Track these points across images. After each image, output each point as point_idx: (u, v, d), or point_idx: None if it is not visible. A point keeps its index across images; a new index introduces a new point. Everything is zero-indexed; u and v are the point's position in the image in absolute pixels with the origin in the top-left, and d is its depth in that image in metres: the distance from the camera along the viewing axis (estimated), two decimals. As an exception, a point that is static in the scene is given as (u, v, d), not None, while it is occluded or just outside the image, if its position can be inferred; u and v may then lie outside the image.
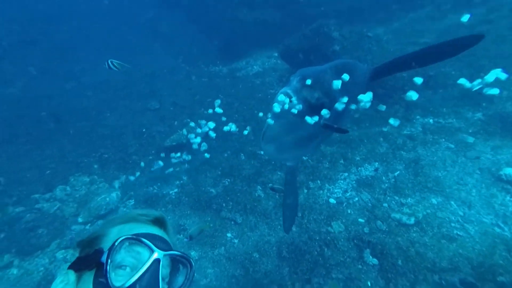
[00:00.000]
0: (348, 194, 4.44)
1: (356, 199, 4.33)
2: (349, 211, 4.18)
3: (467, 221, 3.72)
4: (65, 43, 12.19)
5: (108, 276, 0.74)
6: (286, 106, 1.94)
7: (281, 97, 1.94)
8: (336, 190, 4.58)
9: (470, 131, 4.70)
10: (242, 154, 5.66)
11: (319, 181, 4.72)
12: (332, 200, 4.43)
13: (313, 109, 1.95)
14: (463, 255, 3.39)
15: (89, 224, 4.70)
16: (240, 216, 4.57)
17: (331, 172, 4.75)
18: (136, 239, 0.82)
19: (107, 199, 5.03)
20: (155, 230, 0.92)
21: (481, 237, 3.51)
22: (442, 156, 4.49)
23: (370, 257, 3.59)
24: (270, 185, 3.94)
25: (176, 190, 5.41)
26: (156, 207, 5.04)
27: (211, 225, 4.39)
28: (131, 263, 0.80)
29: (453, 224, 3.72)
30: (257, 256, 3.94)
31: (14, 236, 4.28)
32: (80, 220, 4.72)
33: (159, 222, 0.97)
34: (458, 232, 3.63)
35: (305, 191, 4.67)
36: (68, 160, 6.36)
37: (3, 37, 10.22)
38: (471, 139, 4.48)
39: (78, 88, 9.61)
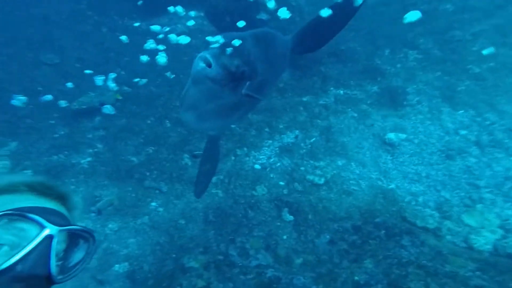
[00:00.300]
0: (271, 160, 4.72)
1: (279, 164, 4.65)
2: (271, 176, 4.48)
3: (361, 178, 4.47)
4: None
5: None
6: (204, 72, 1.88)
7: (199, 62, 1.85)
8: (261, 157, 4.80)
9: (369, 102, 5.47)
10: (167, 121, 5.27)
11: (245, 148, 4.85)
12: (257, 166, 4.65)
13: (234, 78, 1.91)
14: (356, 205, 4.12)
15: None
16: (166, 185, 4.38)
17: (257, 140, 4.92)
18: (19, 214, 0.68)
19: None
20: (47, 203, 0.78)
21: (369, 189, 4.31)
22: (348, 123, 5.15)
23: (287, 214, 4.00)
24: (193, 153, 3.85)
25: (89, 159, 4.75)
26: (63, 178, 4.35)
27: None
28: (10, 241, 0.66)
29: (351, 181, 4.42)
30: (183, 223, 3.92)
31: None
32: None
33: (52, 192, 0.83)
34: (354, 187, 4.35)
35: (233, 158, 4.75)
36: None
37: None
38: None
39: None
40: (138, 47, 7.97)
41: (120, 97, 3.81)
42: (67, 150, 4.78)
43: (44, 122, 5.21)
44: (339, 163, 4.62)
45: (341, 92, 5.57)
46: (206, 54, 1.86)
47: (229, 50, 1.85)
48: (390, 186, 4.27)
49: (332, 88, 5.64)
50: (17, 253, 0.62)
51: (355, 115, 5.21)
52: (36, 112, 5.43)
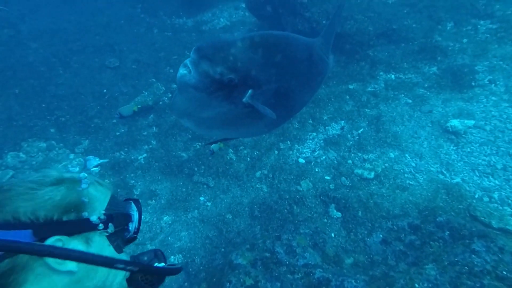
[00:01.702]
0: (316, 153, 4.27)
1: (324, 157, 4.18)
2: (317, 170, 4.05)
3: (418, 171, 3.79)
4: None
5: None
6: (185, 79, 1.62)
7: (180, 68, 1.62)
8: (305, 150, 4.38)
9: (426, 85, 4.58)
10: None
11: (289, 142, 4.46)
12: (301, 160, 4.25)
13: (221, 86, 1.62)
14: (413, 201, 3.50)
15: (52, 195, 4.10)
16: (213, 179, 4.26)
17: (301, 133, 4.49)
18: (132, 199, 0.93)
19: (69, 166, 4.35)
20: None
21: (427, 184, 3.63)
22: (400, 111, 4.39)
23: (335, 211, 3.58)
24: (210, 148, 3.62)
25: (145, 155, 4.86)
26: (125, 173, 4.52)
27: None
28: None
29: (406, 175, 3.78)
30: (230, 217, 3.77)
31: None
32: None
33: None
34: (410, 182, 3.71)
35: (276, 152, 4.42)
36: (17, 123, 5.33)
37: None
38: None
39: (18, 38, 7.78)
40: (185, 44, 8.00)
41: (136, 109, 4.25)
42: (127, 147, 4.95)
43: (108, 121, 5.47)
44: (391, 155, 3.97)
45: (392, 76, 4.75)
46: (186, 61, 1.60)
47: (209, 56, 1.57)
48: (454, 180, 3.53)
49: (381, 73, 4.84)
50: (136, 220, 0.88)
51: (410, 101, 4.40)
52: (103, 112, 5.73)
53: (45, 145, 4.80)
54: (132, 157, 4.83)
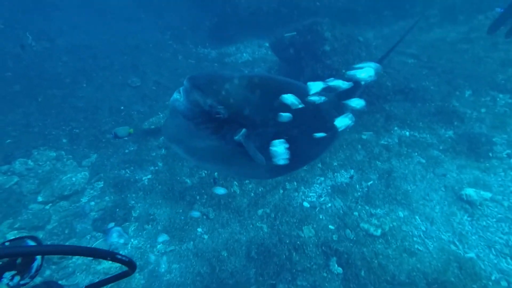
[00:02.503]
0: (322, 199, 4.31)
1: (329, 205, 4.22)
2: (321, 217, 4.06)
3: (428, 236, 3.73)
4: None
5: None
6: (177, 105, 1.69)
7: (174, 93, 1.69)
8: (311, 194, 4.44)
9: (441, 147, 4.69)
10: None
11: (295, 183, 4.55)
12: (306, 204, 4.29)
13: (211, 119, 1.66)
14: (421, 269, 3.41)
15: (50, 205, 4.23)
16: (213, 211, 4.32)
17: (308, 175, 4.59)
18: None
19: (74, 179, 4.54)
20: None
21: (438, 253, 3.55)
22: (413, 170, 4.46)
23: (336, 265, 3.51)
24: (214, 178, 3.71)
25: (149, 176, 5.01)
26: (127, 193, 4.65)
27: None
28: None
29: (415, 239, 3.72)
30: (225, 255, 3.75)
31: (-40, 214, 3.75)
32: (40, 199, 4.22)
33: None
34: (419, 247, 3.64)
35: (281, 191, 4.49)
36: (33, 130, 5.68)
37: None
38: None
39: (52, 50, 8.57)
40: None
41: (132, 132, 4.54)
42: (133, 165, 5.14)
43: (129, 136, 5.75)
44: (400, 214, 3.96)
45: (407, 133, 4.92)
46: (181, 87, 1.69)
47: (201, 87, 1.63)
48: (468, 255, 3.45)
49: (396, 128, 5.03)
50: None
51: (423, 161, 4.50)
52: (116, 127, 6.06)
53: (54, 154, 5.05)
54: (137, 177, 4.99)
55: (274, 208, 4.29)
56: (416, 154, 4.65)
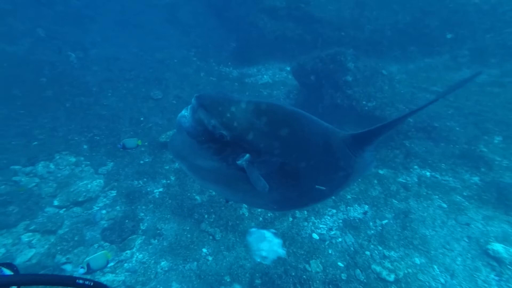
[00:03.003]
0: (332, 233, 4.27)
1: (340, 239, 4.16)
2: (330, 251, 4.01)
3: (447, 290, 3.57)
4: (80, 10, 11.78)
5: None
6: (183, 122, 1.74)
7: (183, 109, 1.76)
8: (321, 226, 4.41)
9: (465, 194, 4.58)
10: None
11: (306, 212, 4.55)
12: (315, 236, 4.26)
13: (214, 139, 1.69)
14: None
15: (64, 209, 4.43)
16: (220, 232, 4.36)
17: (320, 206, 4.58)
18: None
19: (89, 186, 4.76)
20: None
21: (459, 313, 3.37)
22: (433, 214, 4.36)
23: (342, 307, 3.43)
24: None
25: (161, 189, 5.17)
26: (137, 204, 4.80)
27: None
28: None
29: (432, 290, 3.57)
30: (228, 280, 3.75)
31: (-18, 209, 4.01)
32: (55, 203, 4.44)
33: None
34: (436, 301, 3.49)
35: (290, 219, 4.49)
36: (58, 134, 6.06)
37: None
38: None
39: (85, 60, 9.26)
40: (226, 89, 8.93)
41: (140, 143, 4.94)
42: (147, 177, 5.33)
43: (137, 148, 6.02)
44: (417, 260, 3.84)
45: (428, 173, 4.86)
46: (190, 105, 1.73)
47: (206, 107, 1.67)
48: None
49: (416, 167, 4.98)
50: None
51: (444, 205, 4.39)
52: (135, 137, 6.36)
53: (74, 160, 5.35)
54: (148, 189, 5.16)
55: (282, 236, 4.28)
56: (437, 197, 4.55)
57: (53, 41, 9.07)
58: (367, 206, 4.60)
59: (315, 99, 6.94)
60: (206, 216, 4.64)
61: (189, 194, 5.03)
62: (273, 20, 8.76)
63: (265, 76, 9.62)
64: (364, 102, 5.73)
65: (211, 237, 4.34)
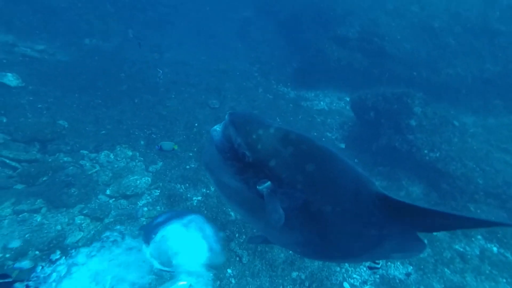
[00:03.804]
0: (366, 287, 3.93)
1: (373, 299, 3.81)
2: (359, 310, 3.69)
3: None
4: (164, 17, 13.20)
5: None
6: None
7: (218, 124, 1.79)
8: (355, 276, 4.10)
9: (542, 284, 3.84)
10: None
11: (340, 259, 4.28)
12: (346, 285, 3.97)
13: (238, 158, 1.69)
14: None
15: (113, 200, 4.89)
16: (248, 256, 4.34)
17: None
18: None
19: (138, 181, 5.18)
20: None
21: None
22: (494, 298, 3.74)
23: None
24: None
25: (199, 198, 5.38)
26: (175, 208, 5.05)
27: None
28: None
29: None
30: (246, 310, 3.68)
31: (52, 184, 4.62)
32: (108, 192, 4.93)
33: None
34: None
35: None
36: (123, 127, 6.77)
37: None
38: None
39: (159, 62, 10.29)
40: (280, 111, 9.03)
41: (176, 148, 5.29)
42: (189, 183, 5.61)
43: (186, 153, 6.40)
44: None
45: (494, 249, 4.20)
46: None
47: (236, 124, 1.69)
48: None
49: (479, 237, 4.35)
50: None
51: (511, 292, 3.74)
52: (186, 142, 6.78)
53: (130, 154, 5.90)
54: (189, 195, 5.41)
55: (310, 276, 4.09)
56: (504, 280, 3.90)
57: (138, 41, 10.27)
58: (411, 267, 4.15)
59: (370, 136, 6.61)
60: (237, 235, 4.67)
61: (224, 209, 5.14)
62: (341, 48, 8.69)
63: (322, 103, 9.51)
64: (425, 151, 5.27)
65: (238, 259, 4.34)
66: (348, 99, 8.88)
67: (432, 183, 4.92)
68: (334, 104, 9.29)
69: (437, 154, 5.15)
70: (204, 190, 5.60)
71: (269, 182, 1.65)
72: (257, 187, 1.66)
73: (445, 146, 5.21)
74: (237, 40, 13.75)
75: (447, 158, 5.06)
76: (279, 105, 9.43)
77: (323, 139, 7.58)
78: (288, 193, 1.65)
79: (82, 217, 4.35)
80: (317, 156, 1.65)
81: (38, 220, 4.15)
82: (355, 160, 6.56)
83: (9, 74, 6.57)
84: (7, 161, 4.59)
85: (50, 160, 5.02)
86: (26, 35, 8.77)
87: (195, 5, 14.76)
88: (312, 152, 1.65)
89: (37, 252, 3.76)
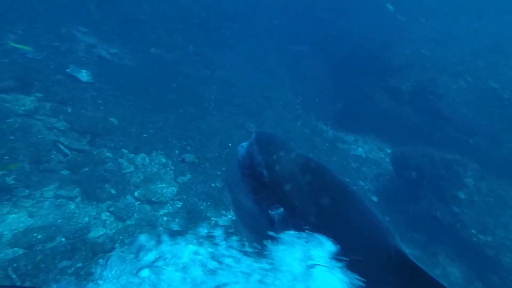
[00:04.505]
0: None
1: None
2: None
3: None
4: (224, 38, 14.04)
5: None
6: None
7: (245, 143, 1.85)
8: None
9: None
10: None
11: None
12: None
13: (254, 175, 1.69)
14: None
15: (139, 203, 5.03)
16: None
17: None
18: None
19: (164, 190, 5.31)
20: None
21: None
22: None
23: None
24: None
25: (217, 219, 5.33)
26: (192, 225, 5.05)
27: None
28: None
29: None
30: None
31: (91, 176, 4.91)
32: (136, 194, 5.11)
33: None
34: None
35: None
36: (163, 133, 7.11)
37: (192, 17, 12.59)
38: None
39: (209, 78, 10.86)
40: (314, 147, 8.87)
41: (197, 161, 5.60)
42: (211, 202, 5.62)
43: (215, 170, 6.49)
44: None
45: None
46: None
47: (260, 143, 1.74)
48: None
49: None
50: None
51: None
52: (217, 160, 6.88)
53: (164, 161, 6.12)
54: (208, 214, 5.39)
55: None
56: None
57: (195, 57, 11.02)
58: None
59: (408, 196, 6.15)
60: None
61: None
62: (391, 99, 8.46)
63: (360, 149, 9.19)
64: (473, 231, 4.72)
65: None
66: (389, 151, 8.48)
67: (478, 270, 4.33)
68: (373, 153, 8.91)
69: (489, 239, 4.57)
70: (224, 212, 5.55)
71: (281, 209, 1.60)
72: (269, 211, 1.61)
73: (500, 231, 4.61)
74: (286, 71, 14.12)
75: (500, 247, 4.46)
76: (315, 142, 9.29)
77: (355, 186, 7.23)
78: (298, 226, 1.54)
79: (108, 214, 4.52)
80: (335, 191, 1.57)
81: (72, 208, 4.39)
82: (387, 219, 6.10)
83: (84, 71, 7.40)
84: (62, 147, 5.03)
85: (95, 153, 5.39)
86: (106, 39, 9.89)
87: (255, 32, 15.60)
88: (330, 185, 1.58)
89: (63, 239, 3.94)
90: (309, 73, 13.46)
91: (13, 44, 6.43)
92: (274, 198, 1.64)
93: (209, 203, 5.71)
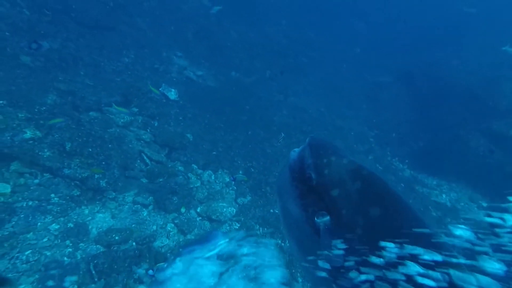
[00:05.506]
0: None
1: None
2: None
3: None
4: (301, 65, 14.26)
5: None
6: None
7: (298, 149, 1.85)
8: None
9: None
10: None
11: None
12: None
13: (303, 179, 1.67)
14: None
15: (200, 219, 5.30)
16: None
17: None
18: None
19: (224, 209, 5.48)
20: None
21: None
22: None
23: None
24: None
25: (272, 248, 5.18)
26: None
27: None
28: None
29: None
30: None
31: (163, 187, 5.44)
32: (198, 209, 5.41)
33: None
34: None
35: None
36: (230, 153, 7.46)
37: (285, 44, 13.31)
38: None
39: (283, 103, 11.10)
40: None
41: (246, 180, 5.94)
42: (267, 228, 5.55)
43: (274, 195, 6.40)
44: None
45: None
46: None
47: (312, 147, 1.71)
48: None
49: None
50: None
51: None
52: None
53: (227, 180, 6.37)
54: (264, 241, 5.30)
55: None
56: None
57: (271, 82, 11.46)
58: None
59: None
60: None
61: (294, 271, 4.75)
62: (492, 145, 7.10)
63: (444, 195, 7.88)
64: None
65: None
66: (484, 204, 7.04)
67: None
68: (461, 203, 7.51)
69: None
70: (280, 241, 5.38)
71: (328, 217, 1.55)
72: (315, 218, 1.57)
73: None
74: (363, 101, 13.42)
75: None
76: (388, 180, 8.36)
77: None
78: (344, 237, 1.48)
79: (173, 225, 4.89)
80: (386, 202, 1.46)
81: (144, 215, 4.91)
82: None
83: (173, 90, 8.48)
84: (145, 157, 5.78)
85: (169, 165, 6.00)
86: (195, 62, 11.21)
87: (334, 60, 15.46)
88: (381, 195, 1.49)
89: (134, 244, 4.36)
90: (388, 106, 12.47)
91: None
92: (321, 204, 1.60)
93: (265, 229, 5.63)
